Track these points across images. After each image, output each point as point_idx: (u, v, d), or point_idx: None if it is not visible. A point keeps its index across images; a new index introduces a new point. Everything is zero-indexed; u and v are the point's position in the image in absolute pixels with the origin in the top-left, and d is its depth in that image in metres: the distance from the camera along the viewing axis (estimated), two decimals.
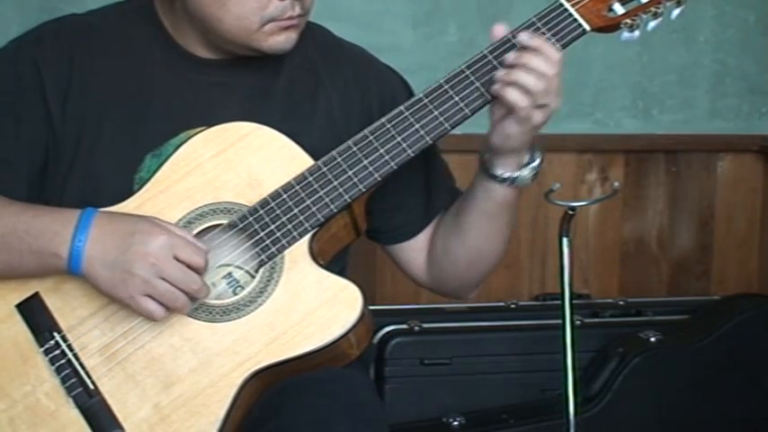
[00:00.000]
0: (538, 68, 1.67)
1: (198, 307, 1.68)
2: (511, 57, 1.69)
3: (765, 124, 3.25)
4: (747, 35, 3.19)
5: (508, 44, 1.71)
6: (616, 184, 2.86)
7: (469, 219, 1.82)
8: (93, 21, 1.83)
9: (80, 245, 1.64)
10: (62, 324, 1.69)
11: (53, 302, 1.70)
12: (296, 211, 1.70)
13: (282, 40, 1.75)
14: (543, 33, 1.70)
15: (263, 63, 1.80)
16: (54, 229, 1.66)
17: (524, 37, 1.69)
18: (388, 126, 1.72)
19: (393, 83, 1.90)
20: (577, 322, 2.61)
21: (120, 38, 1.81)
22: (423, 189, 1.89)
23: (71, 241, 1.65)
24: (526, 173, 1.76)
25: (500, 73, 1.69)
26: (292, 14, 1.73)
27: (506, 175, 1.75)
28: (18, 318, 1.70)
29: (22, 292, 1.70)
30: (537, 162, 1.77)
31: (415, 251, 1.91)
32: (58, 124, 1.76)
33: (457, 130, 1.74)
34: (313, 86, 1.83)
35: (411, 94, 1.87)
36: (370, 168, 1.71)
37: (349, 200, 1.71)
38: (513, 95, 1.67)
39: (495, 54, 1.71)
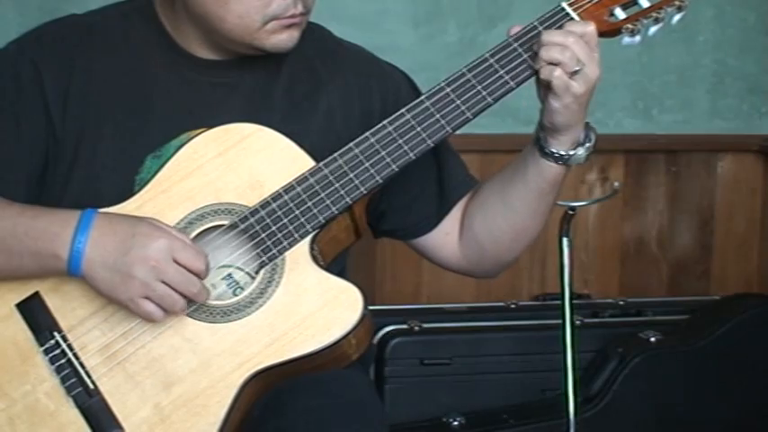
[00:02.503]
0: (558, 42, 1.67)
1: (198, 307, 1.68)
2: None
3: (765, 124, 3.25)
4: (747, 35, 3.20)
5: (509, 47, 1.71)
6: (616, 184, 2.87)
7: (519, 196, 1.80)
8: (93, 21, 1.83)
9: (80, 246, 1.64)
10: (62, 324, 1.69)
11: (53, 302, 1.70)
12: (297, 212, 1.70)
13: (285, 39, 1.75)
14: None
15: (264, 63, 1.79)
16: (54, 231, 1.66)
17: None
18: (390, 129, 1.71)
19: (395, 81, 1.90)
20: (577, 322, 2.61)
21: (120, 38, 1.81)
22: (435, 182, 1.88)
23: (71, 243, 1.64)
24: (581, 152, 1.75)
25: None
26: (294, 12, 1.73)
27: (562, 152, 1.74)
28: (18, 317, 1.70)
29: (22, 291, 1.70)
30: (592, 141, 1.76)
31: (441, 237, 1.90)
32: (58, 125, 1.75)
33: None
34: (313, 87, 1.83)
35: (415, 90, 1.87)
36: (372, 171, 1.71)
37: (350, 202, 1.71)
38: (544, 71, 1.68)
39: (496, 58, 1.71)
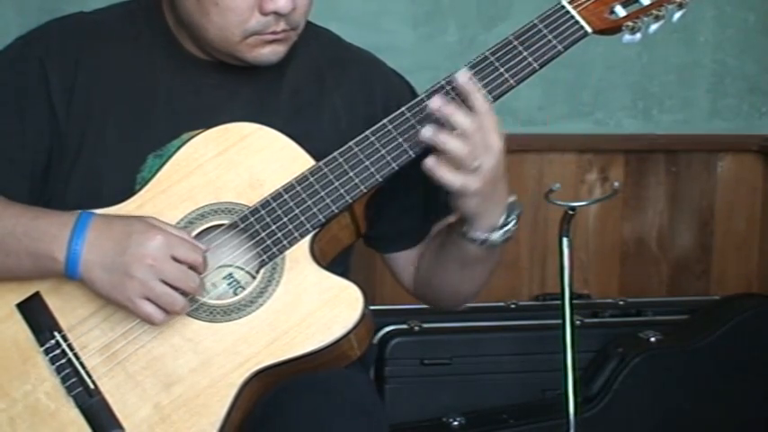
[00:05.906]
0: (460, 125, 1.62)
1: (199, 307, 1.68)
2: (435, 102, 1.63)
3: (765, 124, 3.25)
4: (747, 35, 3.20)
5: (509, 45, 1.70)
6: (616, 184, 2.87)
7: (447, 258, 1.81)
8: (99, 20, 1.83)
9: (77, 248, 1.64)
10: (62, 323, 1.69)
11: (53, 302, 1.70)
12: (297, 211, 1.70)
13: (267, 53, 1.74)
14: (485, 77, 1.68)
15: (269, 67, 1.78)
16: (51, 233, 1.65)
17: (460, 80, 1.65)
18: (390, 127, 1.72)
19: (399, 87, 1.89)
20: (577, 322, 2.61)
21: (125, 38, 1.81)
22: (421, 202, 1.88)
23: (68, 245, 1.64)
24: (495, 236, 1.71)
25: (426, 133, 1.63)
26: (275, 29, 1.71)
27: (475, 236, 1.71)
28: (18, 317, 1.70)
29: (22, 291, 1.70)
30: (510, 225, 1.71)
31: (407, 262, 1.92)
32: (62, 123, 1.75)
33: None
34: (318, 90, 1.83)
35: None
36: (372, 169, 1.71)
37: (350, 200, 1.71)
38: (445, 176, 1.63)
39: (497, 56, 1.70)
